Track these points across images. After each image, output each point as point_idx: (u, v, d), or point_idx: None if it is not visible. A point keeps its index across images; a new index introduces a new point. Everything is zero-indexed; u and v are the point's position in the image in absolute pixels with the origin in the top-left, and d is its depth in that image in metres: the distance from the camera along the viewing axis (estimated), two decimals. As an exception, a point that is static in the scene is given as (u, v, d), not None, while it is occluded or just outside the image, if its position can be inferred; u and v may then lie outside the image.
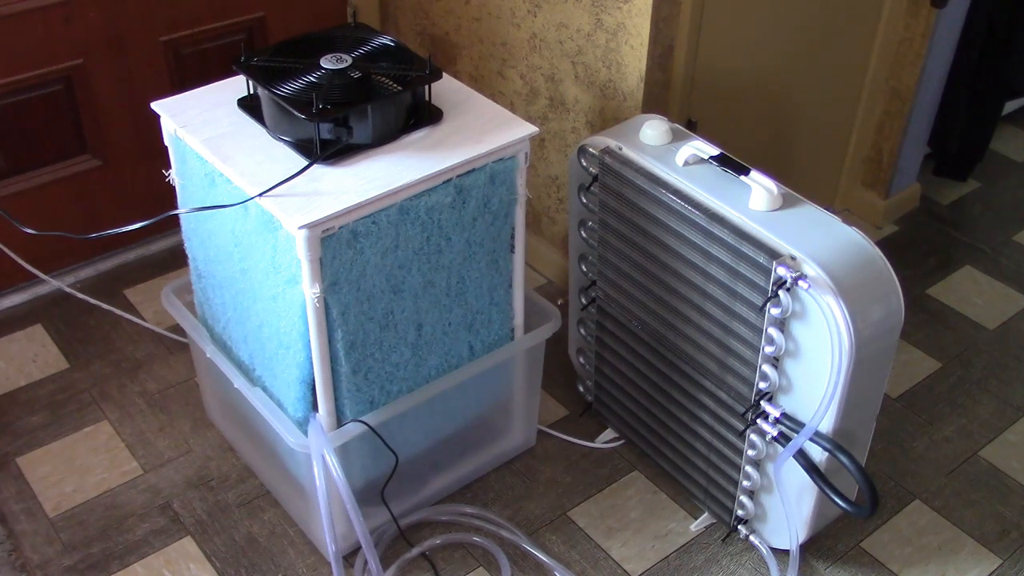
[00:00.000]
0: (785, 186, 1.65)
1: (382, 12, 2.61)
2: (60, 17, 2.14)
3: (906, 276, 1.81)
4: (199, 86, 1.72)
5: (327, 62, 1.58)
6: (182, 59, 2.35)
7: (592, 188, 1.81)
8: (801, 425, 1.61)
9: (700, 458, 1.86)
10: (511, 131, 1.62)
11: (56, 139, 2.28)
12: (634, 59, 1.99)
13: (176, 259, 2.39)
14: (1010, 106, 2.97)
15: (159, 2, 2.25)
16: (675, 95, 2.05)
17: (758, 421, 1.68)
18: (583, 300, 1.97)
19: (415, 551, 1.83)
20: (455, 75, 2.26)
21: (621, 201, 1.75)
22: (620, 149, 1.75)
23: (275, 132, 1.59)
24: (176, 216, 1.70)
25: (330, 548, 1.65)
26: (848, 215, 2.69)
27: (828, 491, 1.64)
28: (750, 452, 1.73)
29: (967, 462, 2.07)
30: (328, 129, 1.53)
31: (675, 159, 1.70)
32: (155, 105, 1.67)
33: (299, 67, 1.58)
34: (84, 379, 2.18)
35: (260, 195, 1.47)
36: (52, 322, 2.31)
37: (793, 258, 1.52)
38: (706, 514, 1.92)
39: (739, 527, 1.86)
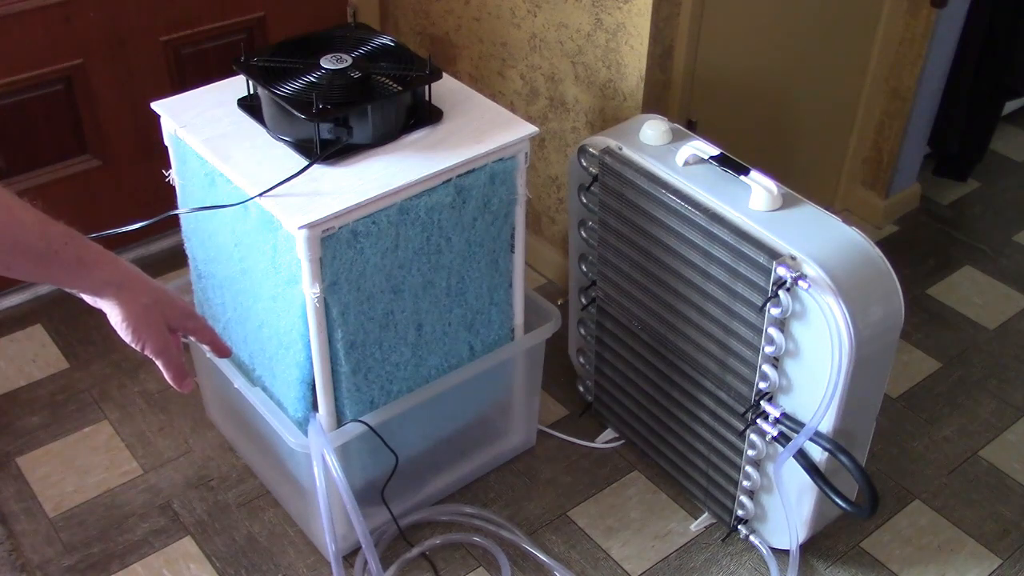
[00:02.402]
0: (785, 186, 1.65)
1: (382, 12, 2.61)
2: (60, 17, 2.14)
3: (906, 276, 1.81)
4: (199, 86, 1.72)
5: (327, 62, 1.58)
6: (182, 59, 2.35)
7: (592, 188, 1.81)
8: (801, 425, 1.61)
9: (700, 458, 1.86)
10: (511, 131, 1.62)
11: (56, 139, 2.28)
12: (634, 59, 1.99)
13: (176, 259, 2.39)
14: (1010, 106, 2.97)
15: (159, 2, 2.25)
16: (675, 95, 2.05)
17: (758, 421, 1.68)
18: (583, 300, 1.97)
19: (415, 551, 1.83)
20: (455, 75, 2.25)
21: (621, 201, 1.75)
22: (620, 149, 1.75)
23: (275, 132, 1.59)
24: (176, 216, 1.70)
25: (330, 548, 1.65)
26: (848, 215, 2.69)
27: (828, 491, 1.64)
28: (750, 452, 1.73)
29: (967, 462, 2.06)
30: (328, 129, 1.53)
31: (675, 159, 1.70)
32: (155, 105, 1.67)
33: (299, 67, 1.58)
34: (84, 379, 2.18)
35: (260, 195, 1.47)
36: (52, 322, 2.31)
37: (793, 258, 1.52)
38: (706, 514, 1.92)
39: (739, 527, 1.86)
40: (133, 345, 1.21)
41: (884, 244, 2.61)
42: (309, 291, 1.48)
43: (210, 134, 1.60)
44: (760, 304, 1.57)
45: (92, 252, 1.15)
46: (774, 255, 1.52)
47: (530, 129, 1.62)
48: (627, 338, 1.90)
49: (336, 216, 1.44)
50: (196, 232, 1.75)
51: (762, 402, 1.66)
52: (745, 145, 1.95)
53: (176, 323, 1.26)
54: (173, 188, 1.74)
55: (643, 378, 1.90)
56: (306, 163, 1.51)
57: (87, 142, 2.31)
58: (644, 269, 1.77)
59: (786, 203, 1.62)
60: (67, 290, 1.19)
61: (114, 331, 2.38)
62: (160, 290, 1.23)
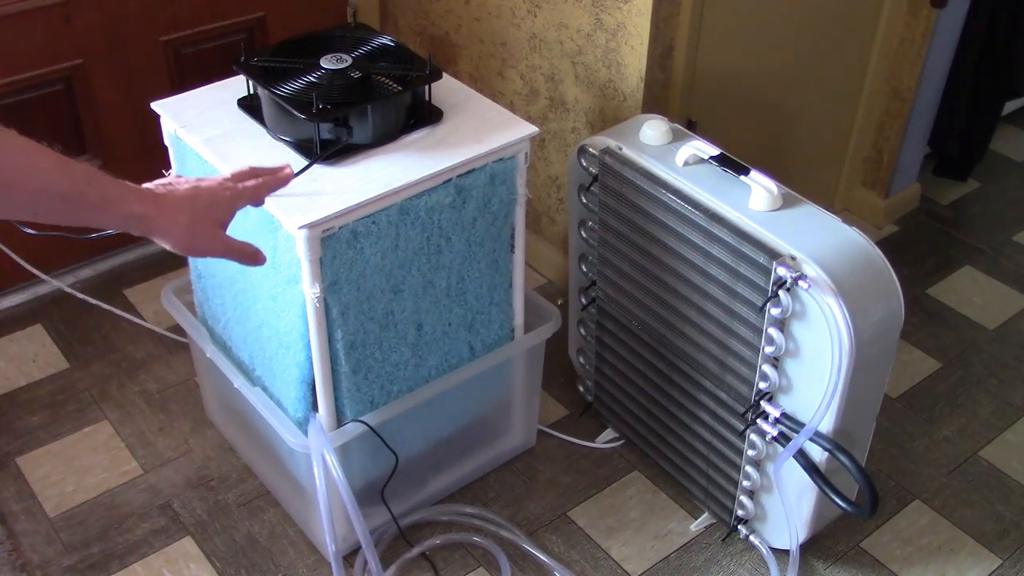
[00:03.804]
0: (785, 186, 1.65)
1: (382, 12, 2.61)
2: (60, 17, 2.14)
3: (906, 276, 1.80)
4: (199, 86, 1.72)
5: (327, 62, 1.58)
6: (182, 59, 2.35)
7: (592, 188, 1.81)
8: (801, 425, 1.61)
9: (700, 458, 1.86)
10: (511, 131, 1.62)
11: (56, 139, 2.24)
12: (634, 59, 1.99)
13: (176, 259, 2.38)
14: (1010, 106, 2.97)
15: (159, 2, 2.25)
16: (675, 95, 2.05)
17: (758, 421, 1.68)
18: (583, 300, 1.97)
19: (415, 551, 1.83)
20: (455, 75, 2.25)
21: (621, 201, 1.75)
22: (620, 149, 1.75)
23: (275, 132, 1.59)
24: (176, 216, 1.70)
25: (330, 548, 1.65)
26: (848, 215, 2.69)
27: (828, 491, 1.64)
28: (750, 452, 1.73)
29: (967, 462, 2.06)
30: (328, 129, 1.53)
31: (675, 159, 1.70)
32: (155, 105, 1.67)
33: (299, 67, 1.58)
34: (84, 379, 2.18)
35: (260, 195, 1.47)
36: (52, 322, 2.31)
37: (793, 258, 1.52)
38: (706, 514, 1.92)
39: (739, 527, 1.86)
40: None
41: (884, 244, 2.61)
42: (309, 291, 1.48)
43: (210, 134, 1.60)
44: (760, 304, 1.57)
45: (118, 188, 1.13)
46: (774, 255, 1.52)
47: (530, 129, 1.62)
48: (627, 338, 1.90)
49: (336, 216, 1.44)
50: (196, 232, 1.75)
51: (762, 402, 1.66)
52: (745, 145, 1.95)
53: (227, 216, 1.22)
54: (173, 188, 1.74)
55: (643, 378, 1.90)
56: (306, 163, 1.51)
57: (87, 142, 2.31)
58: (644, 269, 1.77)
59: (786, 203, 1.62)
60: (105, 229, 1.16)
61: (114, 331, 2.38)
62: (194, 198, 1.18)
